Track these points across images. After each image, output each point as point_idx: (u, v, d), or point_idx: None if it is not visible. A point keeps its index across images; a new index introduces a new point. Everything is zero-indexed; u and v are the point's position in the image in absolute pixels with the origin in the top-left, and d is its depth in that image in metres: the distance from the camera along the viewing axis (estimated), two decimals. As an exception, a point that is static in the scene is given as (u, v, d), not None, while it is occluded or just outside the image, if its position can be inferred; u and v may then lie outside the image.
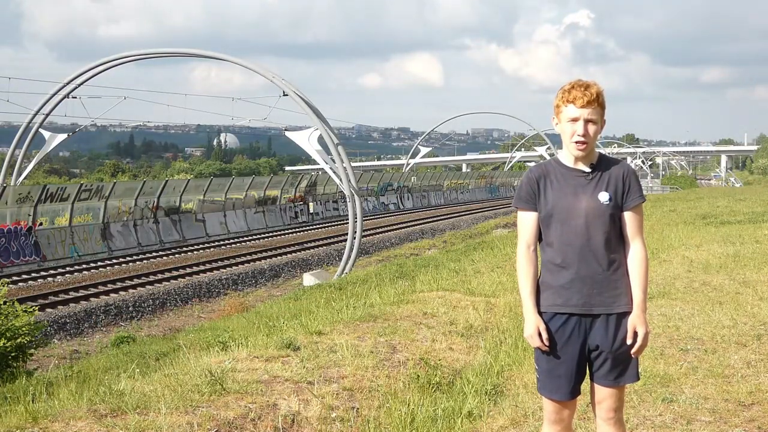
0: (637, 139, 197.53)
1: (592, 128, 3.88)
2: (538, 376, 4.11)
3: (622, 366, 3.98)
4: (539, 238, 4.08)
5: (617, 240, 3.97)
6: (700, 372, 6.92)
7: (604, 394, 4.03)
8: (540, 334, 3.97)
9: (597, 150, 4.04)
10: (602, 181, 3.94)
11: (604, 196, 3.91)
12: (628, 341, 3.93)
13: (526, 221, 4.05)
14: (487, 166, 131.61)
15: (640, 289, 3.95)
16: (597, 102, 3.87)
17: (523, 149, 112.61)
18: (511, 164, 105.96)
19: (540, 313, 4.01)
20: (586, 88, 3.88)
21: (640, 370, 4.15)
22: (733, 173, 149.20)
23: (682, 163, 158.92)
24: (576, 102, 3.86)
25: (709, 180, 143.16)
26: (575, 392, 4.05)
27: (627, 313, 3.94)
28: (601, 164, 3.99)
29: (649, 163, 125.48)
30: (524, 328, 4.06)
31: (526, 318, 4.03)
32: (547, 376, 4.04)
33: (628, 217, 3.96)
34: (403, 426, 5.74)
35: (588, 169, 3.97)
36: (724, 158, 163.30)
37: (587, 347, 3.99)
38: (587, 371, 4.08)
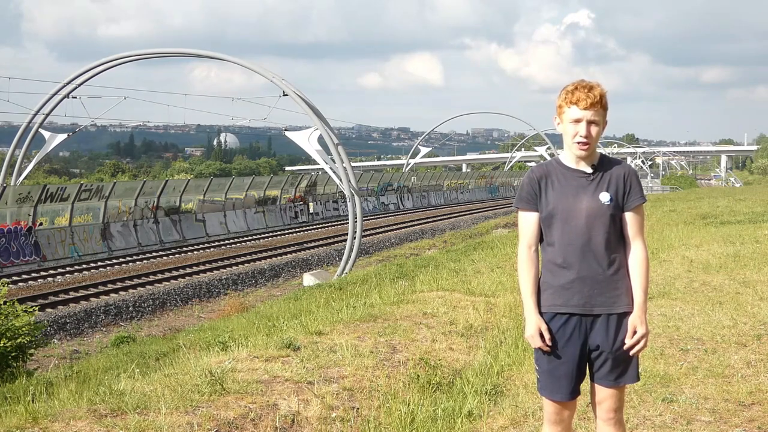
0: (637, 139, 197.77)
1: (594, 129, 3.89)
2: (539, 376, 4.12)
3: (622, 366, 3.99)
4: (540, 238, 4.08)
5: (618, 240, 3.98)
6: (700, 372, 6.92)
7: (604, 394, 4.04)
8: (541, 335, 3.98)
9: (598, 151, 4.05)
10: (603, 181, 3.95)
11: (605, 197, 3.92)
12: (628, 341, 3.94)
13: (528, 221, 4.05)
14: (487, 166, 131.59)
15: (640, 290, 3.96)
16: (600, 104, 3.89)
17: (523, 149, 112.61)
18: (511, 164, 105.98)
19: (540, 313, 4.01)
20: (590, 89, 3.90)
21: (640, 371, 4.16)
22: (733, 173, 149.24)
23: (682, 163, 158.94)
24: (579, 104, 3.87)
25: (709, 180, 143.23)
26: (575, 392, 4.05)
27: (627, 314, 3.95)
28: (603, 165, 4.00)
29: (649, 163, 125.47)
30: (525, 328, 4.07)
31: (527, 318, 4.04)
32: (548, 377, 4.04)
33: (629, 217, 3.98)
34: (403, 426, 5.75)
35: (589, 170, 3.98)
36: (724, 158, 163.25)
37: (587, 347, 4.00)
38: (587, 371, 4.09)
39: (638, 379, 4.10)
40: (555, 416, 4.11)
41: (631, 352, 3.95)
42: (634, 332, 3.93)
